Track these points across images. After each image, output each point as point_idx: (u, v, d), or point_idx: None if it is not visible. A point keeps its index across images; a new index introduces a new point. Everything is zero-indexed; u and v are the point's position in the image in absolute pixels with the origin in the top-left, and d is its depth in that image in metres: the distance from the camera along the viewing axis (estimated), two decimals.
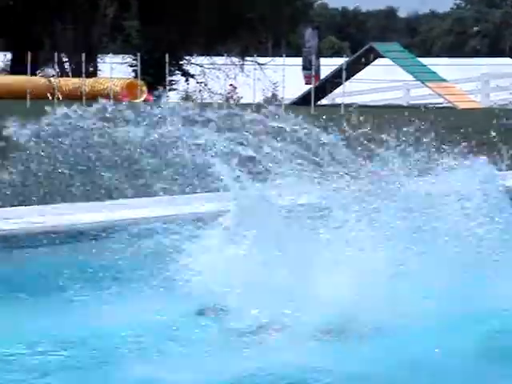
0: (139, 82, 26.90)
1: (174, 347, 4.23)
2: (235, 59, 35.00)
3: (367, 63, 28.82)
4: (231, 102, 25.91)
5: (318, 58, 28.83)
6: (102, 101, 4.93)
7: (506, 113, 18.12)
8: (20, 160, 5.29)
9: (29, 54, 24.68)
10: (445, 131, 5.64)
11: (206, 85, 34.50)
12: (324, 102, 28.04)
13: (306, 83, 27.88)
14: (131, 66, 33.17)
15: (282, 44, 36.99)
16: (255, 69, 28.62)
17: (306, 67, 28.31)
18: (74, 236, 5.95)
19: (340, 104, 22.84)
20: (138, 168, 5.24)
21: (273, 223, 4.86)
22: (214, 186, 5.00)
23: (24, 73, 25.68)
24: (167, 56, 24.42)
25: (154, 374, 3.87)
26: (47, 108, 4.90)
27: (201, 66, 35.84)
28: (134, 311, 4.64)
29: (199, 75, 35.53)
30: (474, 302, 4.65)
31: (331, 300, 4.47)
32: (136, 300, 4.76)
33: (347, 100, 23.81)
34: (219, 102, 24.18)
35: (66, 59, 34.60)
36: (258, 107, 5.30)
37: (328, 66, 29.19)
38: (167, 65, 24.78)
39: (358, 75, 28.60)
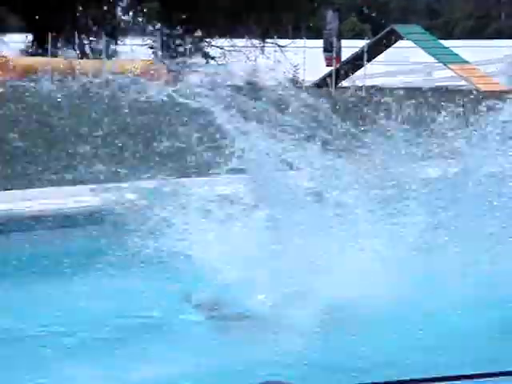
0: (159, 63, 26.88)
1: None
2: (256, 41, 34.88)
3: (388, 45, 28.64)
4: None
5: (338, 40, 28.69)
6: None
7: None
8: None
9: (49, 35, 24.73)
10: None
11: (226, 67, 34.40)
12: (345, 84, 27.92)
13: (327, 65, 27.76)
14: (151, 47, 33.15)
15: (303, 26, 36.82)
16: (276, 51, 28.51)
17: (327, 49, 28.18)
18: None
19: (361, 86, 22.74)
20: None
21: None
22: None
23: (45, 54, 25.74)
24: (187, 38, 24.38)
25: None
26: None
27: (221, 49, 35.75)
28: None
29: (219, 57, 35.46)
30: None
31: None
32: None
33: (368, 82, 23.69)
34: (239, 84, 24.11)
35: (87, 41, 34.63)
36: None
37: (349, 48, 29.04)
38: (187, 47, 24.74)
39: (379, 57, 28.44)
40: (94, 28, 33.19)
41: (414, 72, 30.40)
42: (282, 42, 33.69)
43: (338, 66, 27.11)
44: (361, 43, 27.29)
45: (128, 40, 32.96)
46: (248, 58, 32.19)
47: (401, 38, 28.30)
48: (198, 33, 33.27)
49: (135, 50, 28.53)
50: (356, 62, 26.84)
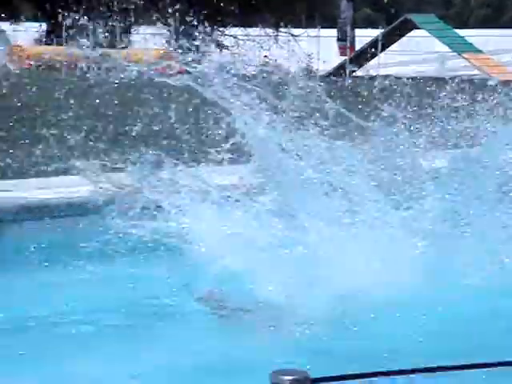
0: (173, 53, 26.81)
1: None
2: (269, 30, 34.81)
3: (402, 35, 28.54)
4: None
5: (352, 29, 28.62)
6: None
7: None
8: None
9: (63, 24, 24.72)
10: None
11: (239, 56, 34.35)
12: (359, 73, 27.84)
13: (341, 55, 27.70)
14: (164, 36, 33.12)
15: (317, 15, 36.74)
16: (289, 40, 28.45)
17: (341, 39, 28.12)
18: None
19: (375, 76, 22.68)
20: None
21: None
22: None
23: (59, 43, 25.76)
24: (201, 27, 24.35)
25: None
26: None
27: (235, 38, 35.69)
28: None
29: (233, 46, 35.41)
30: None
31: None
32: None
33: (382, 71, 23.63)
34: (253, 73, 24.09)
35: (101, 30, 34.62)
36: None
37: (363, 37, 28.96)
38: (201, 36, 24.71)
39: (393, 47, 28.35)
40: (108, 17, 33.19)
41: (427, 61, 30.28)
42: (295, 31, 33.62)
43: (351, 55, 27.04)
44: (375, 32, 27.20)
45: (141, 29, 32.95)
46: (261, 48, 32.11)
47: (415, 27, 28.19)
48: (212, 22, 33.22)
49: (148, 39, 28.53)
50: (370, 52, 26.77)
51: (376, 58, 25.63)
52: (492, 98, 5.48)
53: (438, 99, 5.46)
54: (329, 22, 33.85)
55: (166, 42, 31.96)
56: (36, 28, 35.26)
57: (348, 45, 27.61)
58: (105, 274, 4.95)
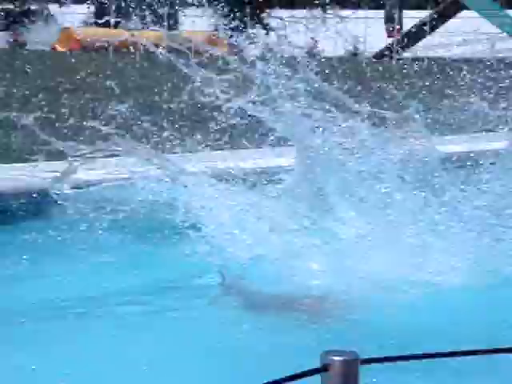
0: (219, 34, 26.82)
1: None
2: (316, 12, 34.64)
3: (450, 16, 28.24)
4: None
5: (400, 10, 28.37)
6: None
7: None
8: None
9: (111, 6, 24.86)
10: None
11: (286, 38, 34.25)
12: (406, 55, 27.60)
13: (388, 36, 27.49)
14: (212, 18, 33.13)
15: None
16: (337, 22, 28.26)
17: (389, 20, 27.90)
18: None
19: (423, 57, 22.46)
20: None
21: None
22: None
23: (106, 25, 25.87)
24: (248, 9, 24.33)
25: None
26: None
27: (281, 19, 35.59)
28: None
29: (280, 28, 35.29)
30: None
31: None
32: None
33: (430, 53, 23.41)
34: (300, 54, 24.01)
35: (148, 11, 34.71)
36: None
37: (411, 18, 28.70)
38: (248, 18, 24.70)
39: (442, 28, 28.05)
40: None
41: (476, 43, 29.91)
42: (343, 12, 33.40)
43: (399, 36, 26.82)
44: (423, 14, 26.93)
45: (188, 11, 32.98)
46: (308, 29, 31.97)
47: (464, 7, 27.86)
48: (258, 3, 33.17)
49: (196, 21, 28.52)
50: (418, 33, 26.53)
51: (424, 40, 25.39)
52: None
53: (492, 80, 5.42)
54: (376, 3, 33.56)
55: (213, 24, 31.97)
56: (84, 10, 35.46)
57: (396, 26, 27.38)
58: None
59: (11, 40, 26.48)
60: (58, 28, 29.55)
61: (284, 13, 35.35)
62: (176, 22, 34.05)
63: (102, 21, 29.57)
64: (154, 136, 5.60)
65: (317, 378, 1.83)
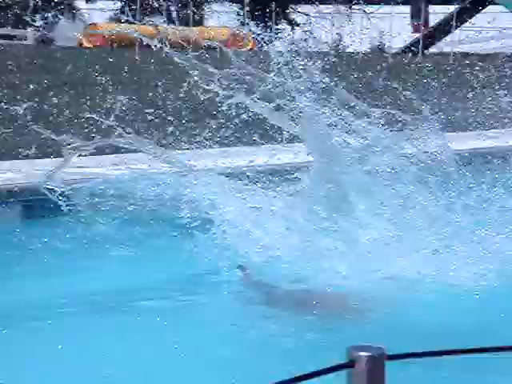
0: (245, 30, 26.85)
1: None
2: (342, 8, 34.54)
3: (478, 10, 28.04)
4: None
5: (426, 5, 28.24)
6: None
7: None
8: None
9: (138, 2, 24.93)
10: None
11: (311, 33, 34.19)
12: (432, 50, 27.48)
13: (414, 32, 27.37)
14: (237, 14, 33.14)
15: None
16: (362, 17, 28.19)
17: (415, 15, 27.77)
18: None
19: (449, 53, 22.36)
20: None
21: None
22: None
23: (133, 21, 25.91)
24: (274, 4, 24.30)
25: None
26: None
27: (307, 15, 35.52)
28: None
29: (305, 24, 35.23)
30: None
31: None
32: None
33: (456, 49, 23.28)
34: (325, 50, 23.97)
35: (174, 8, 34.80)
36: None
37: (437, 13, 28.55)
38: (273, 13, 24.67)
39: (468, 23, 27.87)
40: None
41: (504, 38, 29.71)
42: (368, 8, 33.29)
43: (425, 32, 26.69)
44: (450, 8, 26.78)
45: (214, 6, 33.02)
46: (333, 25, 31.88)
47: (491, 2, 27.67)
48: None
49: (221, 17, 28.57)
50: (444, 28, 26.38)
51: (450, 35, 25.25)
52: None
53: None
54: None
55: (239, 19, 31.97)
56: (111, 6, 35.58)
57: (422, 22, 27.25)
58: None
59: (39, 36, 26.62)
60: (84, 24, 29.68)
61: (310, 8, 35.28)
62: (201, 17, 34.08)
63: (128, 17, 29.68)
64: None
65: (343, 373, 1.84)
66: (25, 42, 24.03)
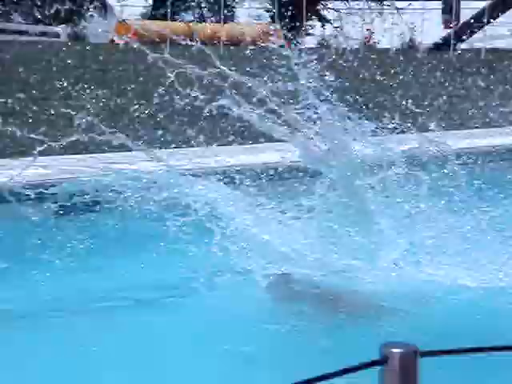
0: (276, 26, 26.83)
1: None
2: (373, 4, 34.41)
3: (510, 6, 27.82)
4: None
5: (458, 0, 28.05)
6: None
7: None
8: None
9: None
10: None
11: (342, 30, 34.12)
12: (463, 46, 27.30)
13: (446, 27, 27.20)
14: (268, 11, 33.12)
15: None
16: (393, 13, 28.07)
17: (446, 10, 27.60)
18: None
19: (481, 49, 22.21)
20: None
21: None
22: None
23: (164, 18, 26.03)
24: (304, 1, 24.26)
25: None
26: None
27: (337, 11, 35.42)
28: None
29: (336, 20, 35.14)
30: None
31: None
32: None
33: (488, 45, 23.12)
34: (355, 47, 23.91)
35: (204, 4, 34.86)
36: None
37: (469, 9, 28.35)
38: (304, 10, 24.63)
39: (501, 18, 27.66)
40: None
41: None
42: (399, 3, 33.15)
43: (456, 27, 26.52)
44: (481, 4, 26.58)
45: (245, 3, 33.03)
46: (364, 21, 31.78)
47: None
48: None
49: (251, 14, 28.58)
50: (476, 24, 26.19)
51: (482, 31, 25.06)
52: None
53: None
54: None
55: (269, 16, 31.95)
56: (142, 3, 35.71)
57: (453, 17, 27.08)
58: None
59: (72, 33, 26.76)
60: (116, 21, 29.80)
61: (340, 5, 35.20)
62: (232, 13, 34.11)
63: (160, 13, 29.80)
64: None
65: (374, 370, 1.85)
66: (58, 40, 24.17)
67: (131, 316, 4.28)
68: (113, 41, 24.95)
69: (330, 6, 35.78)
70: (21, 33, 24.33)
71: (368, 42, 28.27)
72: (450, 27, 26.07)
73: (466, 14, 28.22)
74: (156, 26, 27.99)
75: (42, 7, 25.78)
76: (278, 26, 29.08)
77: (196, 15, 32.14)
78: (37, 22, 26.69)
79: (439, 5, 28.52)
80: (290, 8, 29.04)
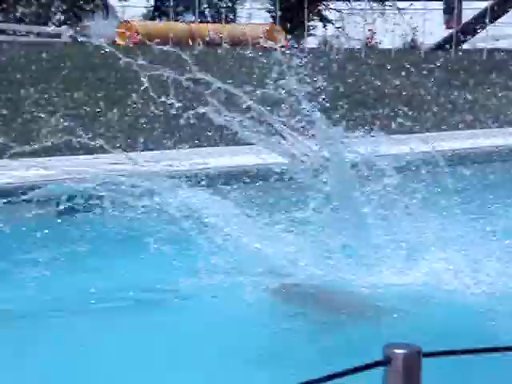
0: (277, 27, 26.85)
1: None
2: (374, 4, 34.41)
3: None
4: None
5: (460, 0, 28.04)
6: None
7: None
8: None
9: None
10: None
11: (343, 30, 34.12)
12: (465, 46, 27.29)
13: (447, 27, 27.21)
14: (269, 11, 33.12)
15: None
16: (395, 13, 28.06)
17: (448, 11, 27.60)
18: None
19: (483, 49, 22.20)
20: None
21: None
22: None
23: (166, 19, 26.05)
24: (306, 1, 24.25)
25: None
26: None
27: (339, 12, 35.43)
28: None
29: (337, 20, 35.14)
30: None
31: None
32: None
33: (490, 45, 23.10)
34: (357, 47, 23.90)
35: (206, 5, 34.87)
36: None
37: (471, 9, 28.35)
38: (306, 10, 24.62)
39: (503, 18, 27.66)
40: None
41: None
42: (401, 4, 33.15)
43: (458, 28, 26.52)
44: (483, 4, 26.57)
45: (246, 4, 33.04)
46: (366, 21, 31.78)
47: None
48: None
49: (253, 14, 28.58)
50: (478, 24, 26.19)
51: (484, 31, 25.05)
52: None
53: None
54: None
55: (271, 17, 31.94)
56: (143, 4, 35.74)
57: (455, 17, 27.08)
58: None
59: (74, 34, 26.76)
60: (118, 21, 29.82)
61: (342, 5, 35.19)
62: (234, 14, 34.10)
63: (162, 14, 29.82)
64: None
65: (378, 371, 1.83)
66: (60, 40, 24.17)
67: (131, 316, 4.28)
68: (114, 42, 24.98)
69: (331, 6, 35.78)
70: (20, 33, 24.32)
71: (370, 42, 28.27)
72: (452, 27, 26.08)
73: (467, 14, 28.22)
74: (158, 26, 28.06)
75: (43, 7, 25.80)
76: (279, 27, 29.12)
77: (198, 15, 32.15)
78: (37, 22, 26.71)
79: (441, 5, 28.50)
80: (292, 8, 29.08)
